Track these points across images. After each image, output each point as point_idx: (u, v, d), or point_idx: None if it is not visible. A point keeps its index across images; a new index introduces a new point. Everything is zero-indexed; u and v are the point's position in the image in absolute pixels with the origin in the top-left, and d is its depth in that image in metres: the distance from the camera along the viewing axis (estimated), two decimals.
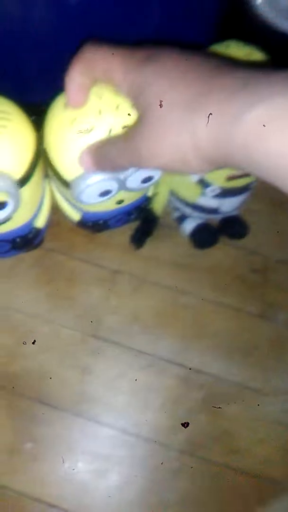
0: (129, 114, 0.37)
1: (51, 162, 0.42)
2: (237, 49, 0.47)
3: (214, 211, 0.62)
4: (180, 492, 0.58)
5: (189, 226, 0.67)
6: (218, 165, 0.28)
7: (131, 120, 0.37)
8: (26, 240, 0.52)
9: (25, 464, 0.57)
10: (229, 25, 0.57)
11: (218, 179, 0.55)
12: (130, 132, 0.32)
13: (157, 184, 0.57)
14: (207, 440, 0.60)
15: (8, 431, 0.58)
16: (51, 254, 0.65)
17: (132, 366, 0.61)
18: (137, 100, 0.31)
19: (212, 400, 0.61)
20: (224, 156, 0.26)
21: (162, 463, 0.58)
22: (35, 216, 0.51)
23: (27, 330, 0.62)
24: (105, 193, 0.43)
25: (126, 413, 0.60)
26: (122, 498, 0.57)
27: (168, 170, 0.31)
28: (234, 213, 0.66)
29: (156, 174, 0.44)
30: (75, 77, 0.35)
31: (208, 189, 0.57)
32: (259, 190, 0.59)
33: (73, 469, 0.57)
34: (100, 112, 0.37)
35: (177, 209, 0.66)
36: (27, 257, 0.63)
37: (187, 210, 0.64)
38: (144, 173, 0.43)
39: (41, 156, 0.43)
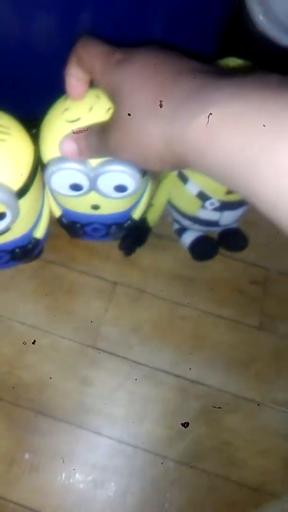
0: None
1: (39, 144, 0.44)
2: (235, 66, 0.48)
3: (214, 223, 0.63)
4: (178, 503, 0.57)
5: (188, 238, 0.67)
6: (174, 165, 0.30)
7: None
8: (26, 251, 0.53)
9: (24, 475, 0.57)
10: (230, 41, 0.58)
11: (218, 193, 0.56)
12: (105, 125, 0.34)
13: (153, 196, 0.58)
14: (205, 451, 0.60)
15: (7, 441, 0.58)
16: (50, 266, 0.66)
17: (130, 377, 0.62)
18: (112, 98, 0.34)
19: (210, 411, 0.61)
20: (178, 157, 0.28)
21: (160, 474, 0.58)
22: (34, 227, 0.52)
23: (26, 341, 0.62)
24: (76, 187, 0.44)
25: (125, 424, 0.60)
26: (120, 508, 0.57)
27: (134, 164, 0.35)
28: (234, 225, 0.67)
29: (131, 186, 0.45)
30: (71, 70, 0.37)
31: (208, 202, 0.57)
32: None
33: (71, 480, 0.57)
34: (90, 109, 0.40)
35: (177, 221, 0.67)
36: (26, 268, 0.63)
37: (187, 223, 0.65)
38: (115, 179, 0.43)
39: (39, 168, 0.44)
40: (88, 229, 0.56)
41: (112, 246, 0.65)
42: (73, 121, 0.40)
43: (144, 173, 0.44)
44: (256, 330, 0.65)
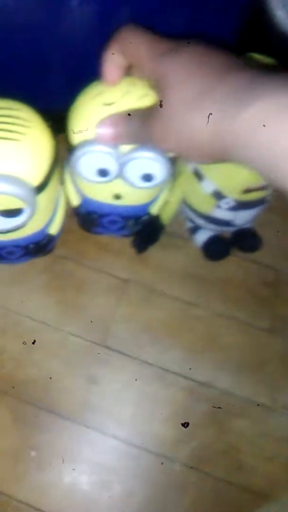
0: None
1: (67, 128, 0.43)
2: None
3: (227, 223, 0.62)
4: (183, 506, 0.57)
5: (201, 237, 0.66)
6: (216, 158, 0.30)
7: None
8: (39, 247, 0.52)
9: (28, 472, 0.56)
10: (249, 38, 0.57)
11: (234, 192, 0.55)
12: (149, 114, 0.34)
13: (169, 193, 0.57)
14: (212, 455, 0.59)
15: (13, 438, 0.57)
16: (62, 261, 0.65)
17: (139, 377, 0.61)
18: (156, 86, 0.34)
19: (219, 414, 0.60)
20: (222, 149, 0.29)
21: (165, 476, 0.57)
22: (49, 223, 0.51)
23: (35, 337, 0.61)
24: (103, 172, 0.44)
25: (131, 424, 0.59)
26: (125, 510, 0.56)
27: (175, 154, 0.36)
28: (248, 226, 0.65)
29: (158, 176, 0.44)
30: (110, 55, 0.37)
31: (223, 201, 0.56)
32: (273, 203, 0.59)
33: (76, 480, 0.56)
34: (125, 94, 0.39)
35: (190, 220, 0.66)
36: (38, 263, 0.62)
37: (201, 222, 0.64)
38: (144, 167, 0.43)
39: (58, 163, 0.43)
40: (104, 220, 0.55)
41: (124, 243, 0.64)
42: (108, 104, 0.39)
43: (172, 164, 0.44)
44: (267, 332, 0.65)
